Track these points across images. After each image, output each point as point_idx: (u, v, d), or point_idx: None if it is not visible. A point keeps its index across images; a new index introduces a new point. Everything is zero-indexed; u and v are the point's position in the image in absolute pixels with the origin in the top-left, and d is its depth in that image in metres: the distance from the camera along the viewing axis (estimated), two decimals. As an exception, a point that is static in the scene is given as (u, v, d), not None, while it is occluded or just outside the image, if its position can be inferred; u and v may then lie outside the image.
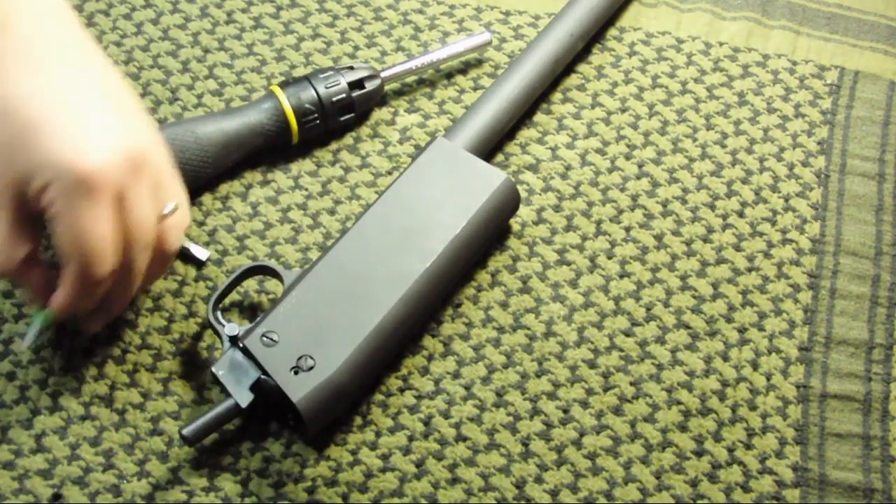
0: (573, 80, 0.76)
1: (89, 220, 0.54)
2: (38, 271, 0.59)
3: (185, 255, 0.68)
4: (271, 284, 0.67)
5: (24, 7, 0.56)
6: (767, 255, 0.70)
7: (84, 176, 0.53)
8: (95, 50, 0.59)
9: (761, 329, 0.67)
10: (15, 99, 0.54)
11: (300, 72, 0.76)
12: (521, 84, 0.71)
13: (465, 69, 0.77)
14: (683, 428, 0.64)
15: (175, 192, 0.59)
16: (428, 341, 0.66)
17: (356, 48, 0.77)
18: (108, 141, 0.54)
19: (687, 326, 0.67)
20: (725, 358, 0.66)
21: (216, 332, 0.62)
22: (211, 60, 0.76)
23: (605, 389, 0.65)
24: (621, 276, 0.69)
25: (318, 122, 0.71)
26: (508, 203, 0.67)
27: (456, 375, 0.65)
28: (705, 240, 0.70)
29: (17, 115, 0.54)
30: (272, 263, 0.65)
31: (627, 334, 0.67)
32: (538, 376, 0.65)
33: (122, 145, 0.55)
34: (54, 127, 0.54)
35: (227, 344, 0.61)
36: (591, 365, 0.65)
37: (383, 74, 0.73)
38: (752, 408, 0.65)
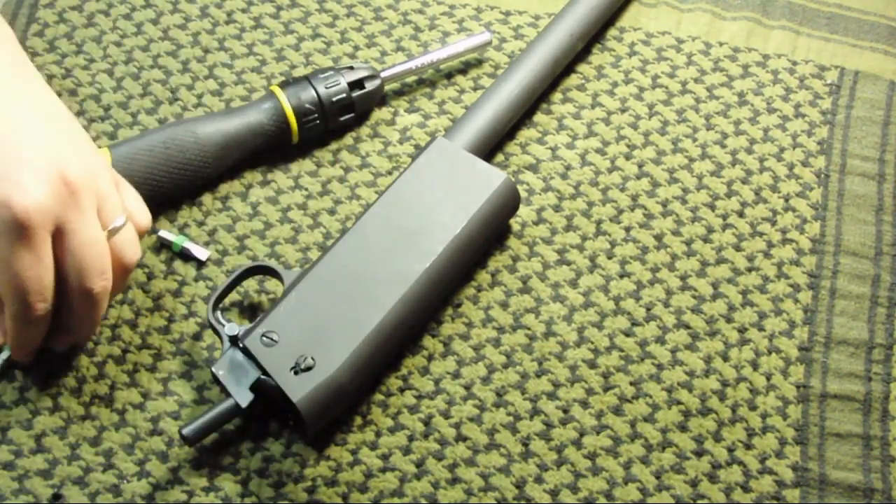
0: (573, 80, 0.76)
1: (22, 262, 0.53)
2: None
3: (185, 255, 0.68)
4: (271, 284, 0.67)
5: None
6: (767, 255, 0.70)
7: (14, 219, 0.52)
8: (26, 66, 0.58)
9: (761, 329, 0.67)
10: None
11: (300, 72, 0.76)
12: (521, 84, 0.71)
13: (465, 69, 0.77)
14: (683, 428, 0.64)
15: (119, 205, 0.58)
16: (428, 341, 0.66)
17: (356, 48, 0.77)
18: (38, 174, 0.53)
19: (687, 326, 0.67)
20: (725, 358, 0.66)
21: (216, 332, 0.62)
22: (211, 60, 0.76)
23: (605, 389, 0.65)
24: (621, 276, 0.69)
25: (318, 122, 0.71)
26: (508, 203, 0.67)
27: (456, 375, 0.65)
28: (705, 240, 0.70)
29: None
30: (272, 263, 0.65)
31: (627, 334, 0.67)
32: (538, 376, 0.65)
33: (54, 176, 0.54)
34: None
35: (227, 344, 0.61)
36: (591, 365, 0.65)
37: (383, 74, 0.73)
38: (752, 408, 0.65)
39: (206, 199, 0.70)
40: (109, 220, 0.57)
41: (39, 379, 0.63)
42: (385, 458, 0.62)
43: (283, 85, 0.71)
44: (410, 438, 0.63)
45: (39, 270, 0.54)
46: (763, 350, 0.66)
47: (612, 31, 0.78)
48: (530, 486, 0.62)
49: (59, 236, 0.55)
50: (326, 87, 0.70)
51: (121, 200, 0.59)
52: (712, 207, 0.71)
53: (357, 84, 0.72)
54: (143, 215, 0.61)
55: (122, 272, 0.59)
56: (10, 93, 0.56)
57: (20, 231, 0.52)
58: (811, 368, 0.66)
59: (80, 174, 0.55)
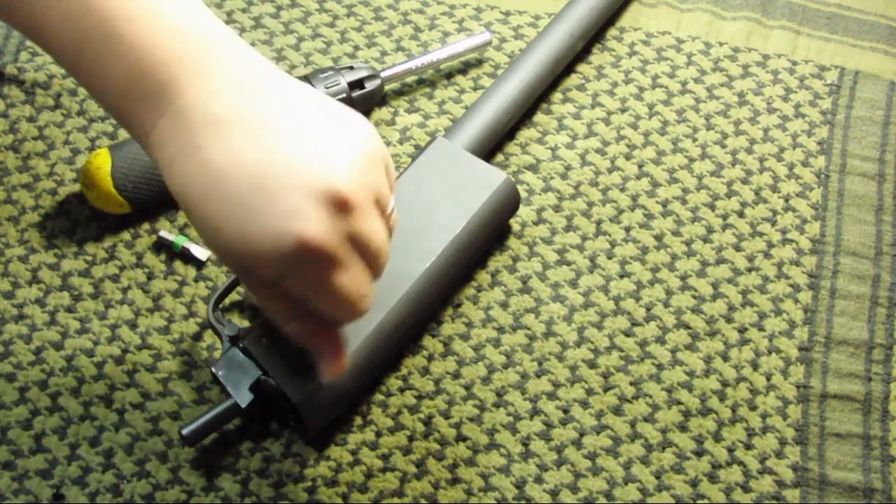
0: (573, 80, 0.76)
1: (324, 284, 0.48)
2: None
3: (185, 256, 0.68)
4: (271, 284, 0.67)
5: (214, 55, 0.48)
6: (767, 255, 0.70)
7: (297, 250, 0.46)
8: (258, 59, 0.50)
9: (761, 329, 0.67)
10: (223, 168, 0.47)
11: (300, 72, 0.76)
12: (521, 84, 0.71)
13: (465, 69, 0.77)
14: (683, 428, 0.64)
15: (388, 189, 0.51)
16: (428, 341, 0.66)
17: (356, 48, 0.77)
18: (311, 197, 0.47)
19: (687, 326, 0.67)
20: (725, 358, 0.66)
21: (216, 332, 0.62)
22: (211, 60, 0.76)
23: (605, 389, 0.65)
24: (621, 276, 0.69)
25: (318, 122, 0.71)
26: (508, 203, 0.67)
27: (456, 375, 0.65)
28: (705, 240, 0.70)
29: (226, 186, 0.46)
30: (272, 263, 0.65)
31: (627, 334, 0.67)
32: (538, 376, 0.65)
33: (329, 195, 0.47)
34: (254, 202, 0.46)
35: (227, 344, 0.61)
36: (591, 365, 0.65)
37: (383, 74, 0.73)
38: (752, 408, 0.65)
39: (206, 199, 0.70)
40: (384, 207, 0.51)
41: (39, 379, 0.63)
42: (385, 458, 0.62)
43: (283, 85, 0.70)
44: (410, 438, 0.63)
45: (342, 285, 0.49)
46: (763, 350, 0.66)
47: (612, 31, 0.78)
48: (530, 486, 0.62)
49: (351, 242, 0.49)
50: (326, 87, 0.70)
51: (387, 187, 0.51)
52: (712, 207, 0.71)
53: (357, 84, 0.72)
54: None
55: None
56: (253, 95, 0.48)
57: (306, 260, 0.47)
58: (811, 368, 0.66)
59: (354, 184, 0.48)
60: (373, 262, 0.51)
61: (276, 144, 0.47)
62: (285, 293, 0.51)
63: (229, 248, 0.48)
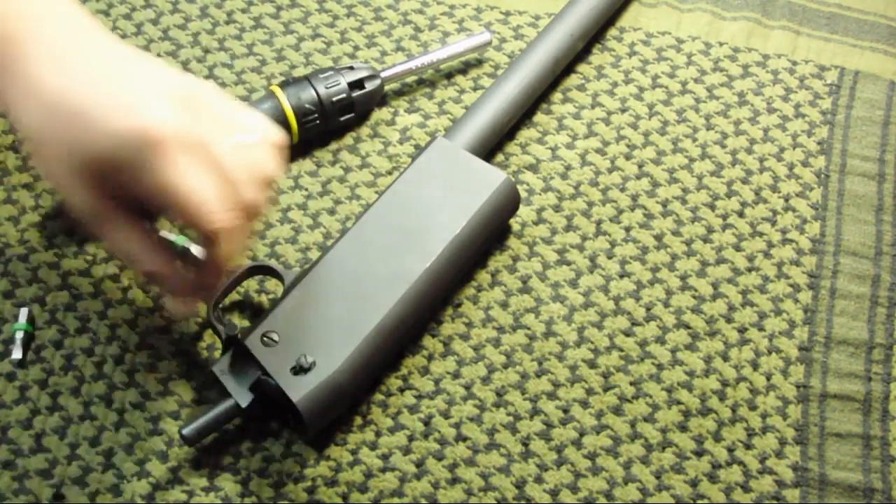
0: (573, 80, 0.76)
1: (180, 175, 0.51)
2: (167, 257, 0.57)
3: (185, 256, 0.68)
4: (271, 284, 0.67)
5: (39, 12, 0.54)
6: (767, 255, 0.70)
7: (148, 136, 0.50)
8: (109, 38, 0.56)
9: (761, 329, 0.67)
10: (56, 94, 0.52)
11: (300, 72, 0.76)
12: (521, 84, 0.71)
13: (465, 69, 0.77)
14: (683, 428, 0.64)
15: (243, 121, 0.55)
16: (428, 341, 0.66)
17: (356, 48, 0.77)
18: (154, 95, 0.52)
19: (687, 326, 0.67)
20: (725, 358, 0.66)
21: (216, 332, 0.62)
22: (211, 60, 0.76)
23: (605, 389, 0.65)
24: (621, 276, 0.69)
25: (318, 122, 0.71)
26: (508, 203, 0.67)
27: (456, 375, 0.65)
28: (705, 240, 0.70)
29: (61, 108, 0.51)
30: (272, 263, 0.65)
31: (627, 334, 0.67)
32: (538, 376, 0.65)
33: (169, 94, 0.52)
34: (100, 104, 0.51)
35: (227, 344, 0.61)
36: (591, 365, 0.65)
37: (383, 74, 0.73)
38: (752, 408, 0.65)
39: (206, 199, 0.70)
40: (235, 134, 0.55)
41: (39, 378, 0.63)
42: (385, 458, 0.62)
43: (283, 85, 0.71)
44: (410, 438, 0.63)
45: (199, 180, 0.52)
46: (763, 350, 0.66)
47: (612, 31, 0.78)
48: (530, 486, 0.62)
49: (195, 152, 0.52)
50: (326, 87, 0.70)
51: (241, 117, 0.56)
52: (712, 207, 0.71)
53: (357, 84, 0.72)
54: (274, 130, 0.57)
55: (263, 184, 0.56)
56: (102, 52, 0.54)
57: (157, 149, 0.50)
58: (811, 368, 0.66)
59: (193, 91, 0.53)
60: (227, 178, 0.53)
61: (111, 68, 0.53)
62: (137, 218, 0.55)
63: (83, 158, 0.51)
